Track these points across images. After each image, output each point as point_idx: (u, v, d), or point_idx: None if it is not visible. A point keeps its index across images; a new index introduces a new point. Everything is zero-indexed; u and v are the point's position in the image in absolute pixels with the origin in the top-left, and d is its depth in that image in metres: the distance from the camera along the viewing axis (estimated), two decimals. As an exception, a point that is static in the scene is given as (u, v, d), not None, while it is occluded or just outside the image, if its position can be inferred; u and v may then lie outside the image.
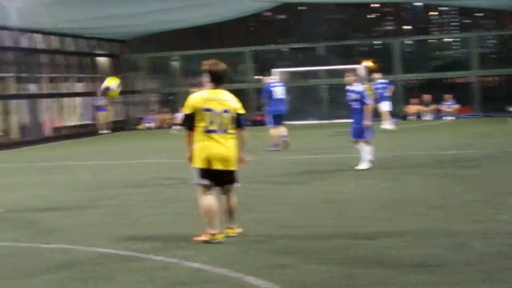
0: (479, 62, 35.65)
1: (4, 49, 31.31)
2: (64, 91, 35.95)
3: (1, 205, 12.35)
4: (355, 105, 15.83)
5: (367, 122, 15.55)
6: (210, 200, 8.99)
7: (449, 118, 33.98)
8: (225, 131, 9.09)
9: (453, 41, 48.57)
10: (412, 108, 35.60)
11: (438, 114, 35.00)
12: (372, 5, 75.78)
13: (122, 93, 38.91)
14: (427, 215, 10.34)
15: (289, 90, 24.37)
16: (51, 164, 21.17)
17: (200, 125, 8.98)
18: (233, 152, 9.16)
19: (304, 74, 37.98)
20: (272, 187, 14.26)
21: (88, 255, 8.68)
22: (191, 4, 32.19)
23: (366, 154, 15.62)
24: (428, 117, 34.98)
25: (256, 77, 37.66)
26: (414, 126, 30.96)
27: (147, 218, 11.27)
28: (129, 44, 40.46)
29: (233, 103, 9.25)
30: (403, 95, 35.90)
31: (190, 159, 9.10)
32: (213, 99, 9.11)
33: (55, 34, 34.27)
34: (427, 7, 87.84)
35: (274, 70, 31.45)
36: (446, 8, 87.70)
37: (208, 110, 8.99)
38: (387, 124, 27.32)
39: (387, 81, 28.73)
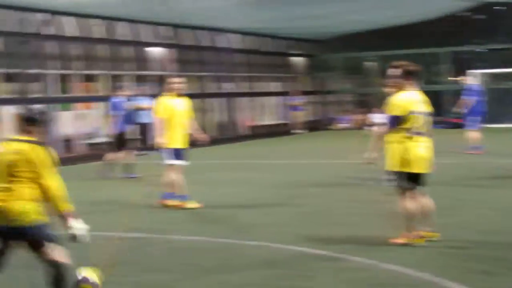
0: None
1: (202, 49, 32.32)
2: (260, 90, 36.48)
3: (200, 200, 12.79)
4: None
5: None
6: (411, 203, 8.85)
7: None
8: (426, 133, 8.99)
9: None
10: None
11: None
12: None
13: (317, 93, 39.38)
14: None
15: (486, 92, 23.66)
16: (246, 161, 21.63)
17: (406, 127, 8.78)
18: (431, 154, 9.06)
19: (504, 76, 36.59)
20: (476, 190, 13.87)
21: (286, 253, 8.88)
22: (388, 5, 31.91)
23: None
24: None
25: (451, 78, 36.79)
26: None
27: (341, 218, 11.35)
28: (324, 44, 40.37)
29: (429, 106, 9.16)
30: None
31: (389, 162, 8.97)
32: (419, 101, 9.00)
33: (251, 34, 34.94)
34: None
35: (470, 72, 30.57)
36: None
37: (416, 112, 8.85)
38: None
39: None
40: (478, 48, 40.40)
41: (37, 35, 23.26)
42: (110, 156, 17.95)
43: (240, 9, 34.57)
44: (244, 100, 35.04)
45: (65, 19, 25.03)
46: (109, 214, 12.22)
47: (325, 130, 36.94)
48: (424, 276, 7.46)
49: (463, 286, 7.04)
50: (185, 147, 12.81)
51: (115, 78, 27.27)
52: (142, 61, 28.72)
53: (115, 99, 18.39)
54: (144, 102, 25.17)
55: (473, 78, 25.46)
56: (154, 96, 26.03)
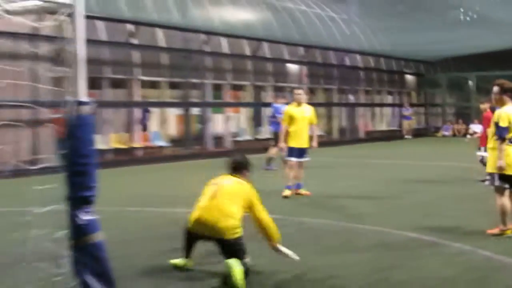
0: None
1: (331, 66, 32.36)
2: (377, 101, 36.32)
3: (323, 191, 12.76)
4: None
5: None
6: (505, 200, 8.67)
7: None
8: None
9: None
10: None
11: None
12: None
13: (424, 105, 39.02)
14: None
15: None
16: (362, 160, 21.47)
17: (508, 136, 8.53)
18: None
19: None
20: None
21: (397, 238, 8.80)
22: (495, 32, 31.38)
23: None
24: None
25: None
26: None
27: (444, 211, 11.14)
28: (432, 65, 39.99)
29: None
30: None
31: (490, 165, 8.78)
32: None
33: (372, 54, 34.74)
34: None
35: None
36: None
37: None
38: None
39: None
40: None
41: (198, 52, 23.89)
42: (272, 151, 18.27)
43: (366, 35, 34.53)
44: (364, 109, 34.87)
45: (220, 39, 25.59)
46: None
47: (430, 137, 36.43)
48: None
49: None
50: (304, 147, 12.70)
51: (258, 88, 27.68)
52: (280, 75, 28.99)
53: (276, 105, 18.59)
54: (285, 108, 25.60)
55: None
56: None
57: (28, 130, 17.67)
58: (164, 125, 24.44)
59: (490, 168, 8.78)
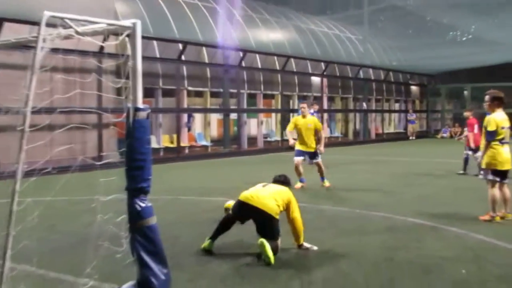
0: None
1: (347, 78, 32.11)
2: (386, 108, 36.06)
3: (341, 184, 12.70)
4: None
5: None
6: (495, 191, 8.72)
7: None
8: (508, 142, 8.77)
9: None
10: None
11: None
12: None
13: (426, 111, 38.83)
14: None
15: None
16: (373, 158, 21.34)
17: (497, 138, 8.65)
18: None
19: None
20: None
21: (403, 223, 8.77)
22: (487, 50, 31.21)
23: None
24: None
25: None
26: None
27: (444, 200, 11.10)
28: (434, 77, 39.78)
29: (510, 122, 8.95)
30: None
31: (484, 162, 8.77)
32: (504, 118, 8.81)
33: (382, 68, 34.51)
34: None
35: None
36: None
37: (503, 127, 8.72)
38: None
39: None
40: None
41: (235, 66, 23.92)
42: None
43: (377, 52, 34.34)
44: (375, 114, 34.65)
45: (254, 56, 25.60)
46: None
47: (431, 138, 36.09)
48: (501, 243, 7.28)
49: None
50: (310, 151, 12.62)
51: (286, 97, 27.65)
52: (305, 86, 28.92)
53: (312, 112, 18.48)
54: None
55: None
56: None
57: (94, 132, 17.88)
58: (207, 127, 24.55)
59: (484, 164, 8.80)
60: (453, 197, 11.47)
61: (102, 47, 15.21)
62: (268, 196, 6.69)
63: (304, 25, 31.97)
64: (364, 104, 33.11)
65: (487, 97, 8.89)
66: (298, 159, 12.61)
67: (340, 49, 32.69)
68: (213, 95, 24.20)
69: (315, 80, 29.64)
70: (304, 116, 12.70)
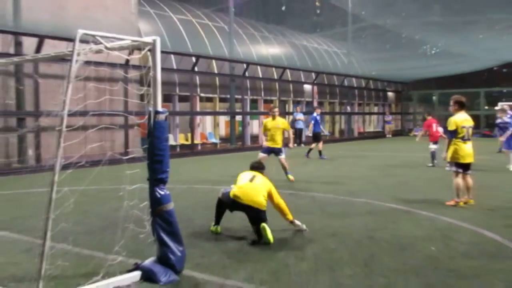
0: None
1: (334, 86, 31.98)
2: (367, 111, 35.91)
3: (329, 175, 12.61)
4: None
5: None
6: (459, 180, 8.72)
7: None
8: (469, 139, 8.74)
9: None
10: None
11: None
12: None
13: (401, 113, 38.74)
14: None
15: None
16: (356, 153, 21.15)
17: (459, 136, 8.63)
18: (473, 151, 8.81)
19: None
20: (502, 175, 12.84)
21: (381, 207, 8.74)
22: (453, 61, 31.22)
23: None
24: None
25: (486, 107, 35.23)
26: None
27: (415, 188, 11.07)
28: (407, 84, 39.68)
29: (472, 122, 8.92)
30: None
31: (448, 156, 8.76)
32: (466, 119, 8.76)
33: (363, 77, 34.41)
34: None
35: (500, 103, 28.51)
36: None
37: (465, 126, 8.68)
38: None
39: None
40: (504, 89, 38.12)
41: (240, 76, 23.86)
42: (312, 145, 18.48)
43: (360, 64, 34.23)
44: (357, 116, 34.53)
45: (256, 67, 25.53)
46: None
47: (405, 136, 35.90)
48: (465, 225, 7.27)
49: (489, 232, 6.76)
50: (277, 146, 11.97)
51: (283, 102, 27.58)
52: (298, 92, 28.84)
53: (314, 115, 18.96)
54: (300, 116, 25.55)
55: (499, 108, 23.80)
56: (305, 113, 26.27)
57: (120, 131, 17.87)
58: (216, 127, 24.50)
59: (451, 158, 8.78)
60: (424, 185, 11.42)
61: (127, 60, 15.21)
62: (257, 194, 6.50)
63: (297, 41, 31.90)
64: (348, 108, 33.01)
65: (451, 101, 8.91)
66: (263, 155, 11.98)
67: (328, 61, 32.62)
68: (221, 100, 24.14)
69: (307, 87, 29.57)
70: (274, 118, 12.15)
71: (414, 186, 11.30)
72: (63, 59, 5.90)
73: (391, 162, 16.76)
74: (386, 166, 15.62)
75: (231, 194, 6.64)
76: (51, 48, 14.15)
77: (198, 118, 22.91)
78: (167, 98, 20.78)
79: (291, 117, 26.17)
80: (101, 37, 4.53)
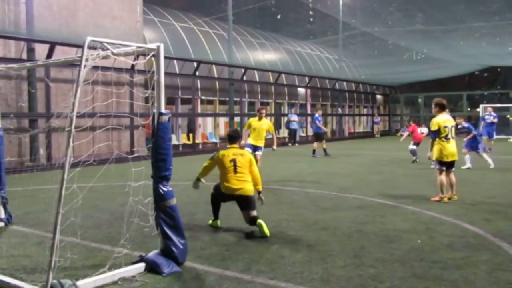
0: None
1: (326, 89, 31.94)
2: (356, 112, 35.72)
3: (322, 172, 12.56)
4: None
5: None
6: (443, 177, 8.71)
7: None
8: (452, 138, 8.74)
9: None
10: None
11: None
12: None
13: (389, 115, 38.79)
14: None
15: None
16: (347, 151, 21.16)
17: (442, 135, 8.64)
18: (456, 150, 8.80)
19: (500, 109, 34.03)
20: (483, 172, 12.80)
21: (369, 202, 8.73)
22: (437, 66, 31.30)
23: None
24: None
25: (468, 109, 35.30)
26: None
27: (401, 184, 11.06)
28: (395, 88, 39.71)
29: (454, 122, 8.95)
30: None
31: (434, 155, 8.76)
32: (447, 119, 8.77)
33: (353, 81, 34.43)
34: None
35: (482, 105, 28.55)
36: None
37: (446, 126, 8.68)
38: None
39: None
40: (485, 92, 38.19)
41: (238, 80, 23.83)
42: (315, 144, 18.62)
43: (350, 69, 34.23)
44: (348, 117, 34.51)
45: (253, 72, 25.50)
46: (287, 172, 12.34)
47: (392, 136, 35.82)
48: (448, 219, 7.23)
49: (471, 226, 6.74)
50: (259, 145, 11.60)
51: (278, 104, 27.58)
52: (293, 95, 28.84)
53: (316, 115, 19.04)
54: (295, 117, 25.53)
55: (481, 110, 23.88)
56: (299, 114, 26.26)
57: (126, 132, 17.83)
58: (216, 128, 24.47)
59: (433, 157, 8.79)
60: (410, 182, 11.40)
61: (133, 65, 15.14)
62: (243, 183, 6.48)
63: (292, 47, 31.89)
64: (340, 109, 33.02)
65: (433, 104, 8.95)
66: (249, 151, 11.67)
67: (320, 66, 32.62)
68: (221, 102, 24.12)
69: (301, 90, 29.57)
70: (260, 119, 11.81)
71: (401, 183, 11.28)
72: (73, 64, 5.88)
73: (379, 160, 16.75)
74: (374, 164, 15.61)
75: (222, 189, 6.66)
76: (61, 54, 14.11)
77: (199, 119, 22.88)
78: (170, 101, 20.74)
79: (285, 118, 26.18)
80: (108, 43, 4.51)
